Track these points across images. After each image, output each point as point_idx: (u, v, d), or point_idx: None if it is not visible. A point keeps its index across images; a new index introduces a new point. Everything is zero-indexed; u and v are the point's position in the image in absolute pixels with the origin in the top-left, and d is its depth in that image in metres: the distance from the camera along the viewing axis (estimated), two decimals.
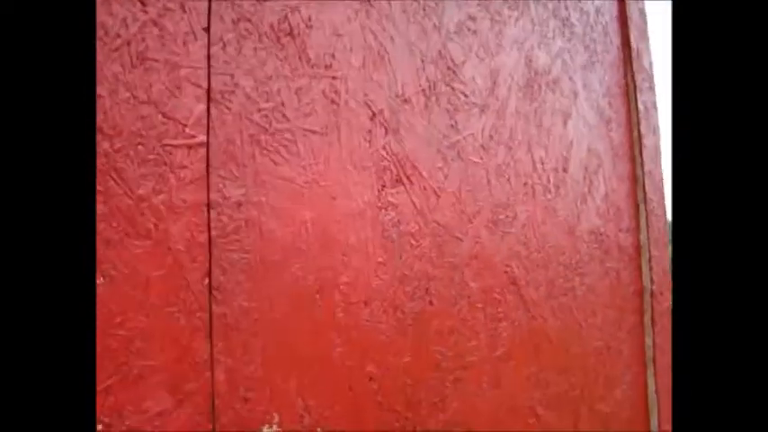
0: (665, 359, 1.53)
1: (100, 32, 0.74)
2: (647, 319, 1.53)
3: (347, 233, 0.95)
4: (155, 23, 0.79)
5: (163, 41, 0.79)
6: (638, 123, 1.58)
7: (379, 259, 0.98)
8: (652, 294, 1.54)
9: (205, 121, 0.82)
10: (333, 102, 0.96)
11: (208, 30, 0.84)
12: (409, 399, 1.00)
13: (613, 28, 1.60)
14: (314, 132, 0.93)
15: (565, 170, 1.37)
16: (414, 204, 1.05)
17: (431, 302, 1.05)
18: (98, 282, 0.72)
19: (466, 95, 1.17)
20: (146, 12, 0.78)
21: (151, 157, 0.77)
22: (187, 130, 0.80)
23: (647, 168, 1.57)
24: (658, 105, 1.67)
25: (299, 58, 0.92)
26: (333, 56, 0.96)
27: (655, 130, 1.63)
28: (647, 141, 1.59)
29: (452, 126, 1.14)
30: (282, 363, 0.85)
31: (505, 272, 1.20)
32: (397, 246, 1.01)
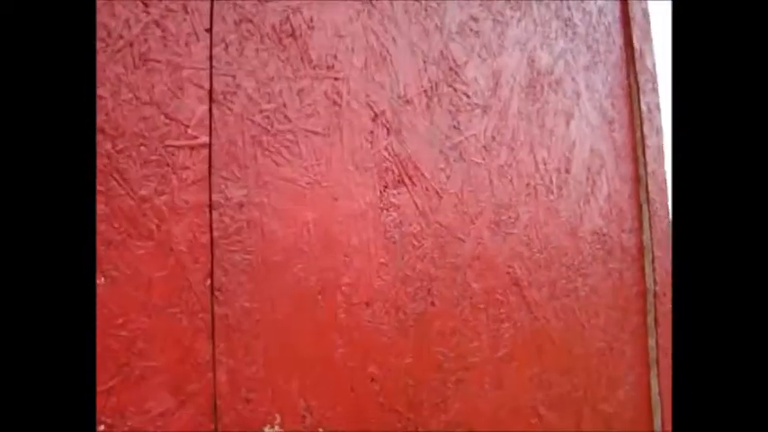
0: (668, 360, 1.52)
1: (102, 33, 0.75)
2: (650, 319, 1.53)
3: (349, 234, 0.95)
4: (157, 24, 0.79)
5: (165, 42, 0.80)
6: (642, 124, 1.58)
7: (381, 260, 0.98)
8: (655, 295, 1.53)
9: (207, 122, 0.82)
10: (335, 103, 0.96)
11: (210, 31, 0.84)
12: (411, 399, 1.00)
13: (616, 28, 1.59)
14: (316, 133, 0.93)
15: (567, 171, 1.37)
16: (416, 205, 1.05)
17: (433, 303, 1.05)
18: (100, 282, 0.72)
19: (468, 96, 1.17)
20: (148, 13, 0.78)
21: (153, 157, 0.77)
22: (189, 130, 0.80)
23: (650, 169, 1.57)
24: (661, 106, 1.66)
25: (301, 59, 0.92)
26: (335, 57, 0.96)
27: (658, 131, 1.63)
28: (650, 142, 1.59)
29: (454, 127, 1.13)
30: (284, 363, 0.85)
31: (508, 273, 1.19)
32: (399, 247, 1.01)
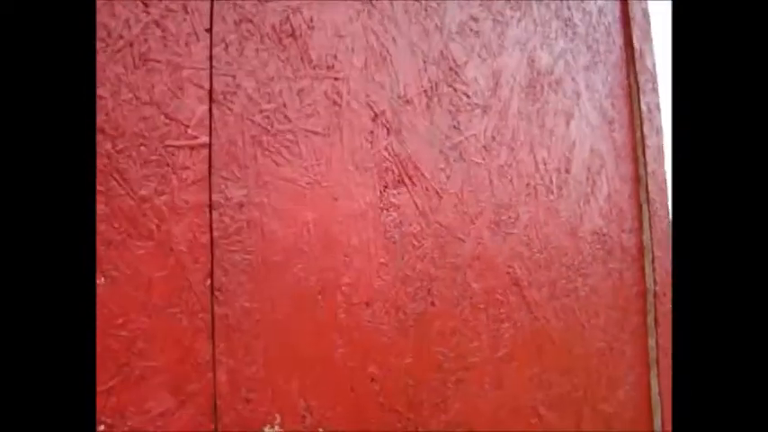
0: (668, 360, 1.52)
1: (102, 33, 0.75)
2: (650, 319, 1.53)
3: (349, 234, 0.95)
4: (157, 24, 0.79)
5: (165, 42, 0.80)
6: (642, 124, 1.58)
7: (381, 260, 0.98)
8: (655, 295, 1.53)
9: (207, 122, 0.82)
10: (335, 103, 0.96)
11: (210, 31, 0.84)
12: (411, 400, 1.00)
13: (616, 28, 1.59)
14: (316, 133, 0.93)
15: (567, 171, 1.37)
16: (416, 205, 1.05)
17: (433, 303, 1.05)
18: (100, 282, 0.72)
19: (468, 96, 1.17)
20: (148, 13, 0.78)
21: (153, 157, 0.77)
22: (189, 131, 0.80)
23: (650, 169, 1.57)
24: (661, 106, 1.66)
25: (301, 59, 0.92)
26: (335, 57, 0.96)
27: (658, 131, 1.63)
28: (650, 142, 1.59)
29: (454, 127, 1.14)
30: (284, 363, 0.85)
31: (508, 273, 1.19)
32: (399, 247, 1.01)
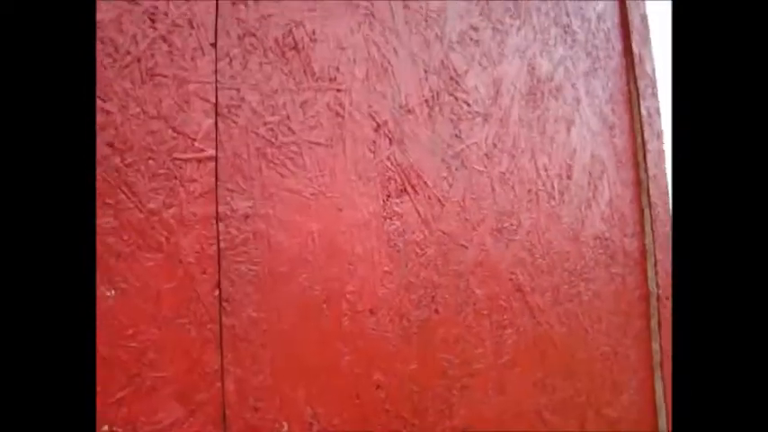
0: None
1: (110, 49, 0.76)
2: (653, 323, 1.54)
3: (353, 243, 0.96)
4: (164, 40, 0.81)
5: (172, 57, 0.81)
6: (642, 129, 1.59)
7: (385, 268, 1.00)
8: (658, 299, 1.54)
9: (213, 136, 0.83)
10: (337, 114, 0.97)
11: (215, 45, 0.85)
12: (416, 406, 1.01)
13: (615, 34, 1.61)
14: (319, 144, 0.94)
15: (569, 177, 1.38)
16: (419, 213, 1.06)
17: (436, 310, 1.06)
18: (110, 294, 0.73)
19: (469, 105, 1.18)
20: (155, 28, 0.80)
21: (161, 171, 0.78)
22: (196, 144, 0.82)
23: (651, 173, 1.58)
24: (661, 111, 1.68)
25: (304, 71, 0.94)
26: (337, 68, 0.98)
27: (658, 136, 1.64)
28: (650, 146, 1.60)
29: (456, 135, 1.15)
30: (291, 372, 0.87)
31: (510, 279, 1.21)
32: (402, 255, 1.02)
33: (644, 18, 1.69)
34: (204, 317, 0.80)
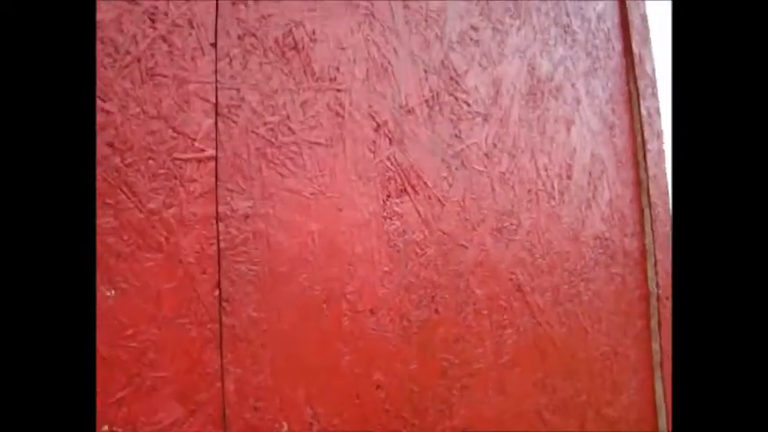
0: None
1: (110, 49, 0.76)
2: (653, 323, 1.54)
3: (353, 243, 0.96)
4: (164, 40, 0.81)
5: (172, 57, 0.81)
6: (642, 129, 1.59)
7: (385, 268, 1.00)
8: (658, 299, 1.54)
9: (213, 136, 0.83)
10: (337, 114, 0.97)
11: (215, 45, 0.85)
12: (416, 406, 1.01)
13: (615, 34, 1.61)
14: (319, 144, 0.94)
15: (569, 177, 1.38)
16: (419, 213, 1.06)
17: (436, 310, 1.06)
18: (110, 294, 0.73)
19: (469, 105, 1.18)
20: (155, 28, 0.80)
21: (161, 171, 0.78)
22: (196, 144, 0.82)
23: (651, 173, 1.58)
24: (661, 111, 1.68)
25: (304, 71, 0.94)
26: (337, 69, 0.98)
27: (658, 135, 1.64)
28: (650, 146, 1.60)
29: (456, 135, 1.15)
30: (291, 372, 0.87)
31: (510, 279, 1.21)
32: (402, 255, 1.02)
33: (644, 18, 1.69)
34: (204, 317, 0.80)
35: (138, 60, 0.78)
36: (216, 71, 0.85)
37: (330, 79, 0.97)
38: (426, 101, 1.11)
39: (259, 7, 0.90)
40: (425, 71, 1.11)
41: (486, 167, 1.19)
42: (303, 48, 0.94)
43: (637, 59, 1.62)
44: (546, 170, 1.32)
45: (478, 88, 1.21)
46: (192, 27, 0.83)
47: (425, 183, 1.08)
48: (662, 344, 1.52)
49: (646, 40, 1.68)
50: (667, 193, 1.64)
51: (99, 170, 0.74)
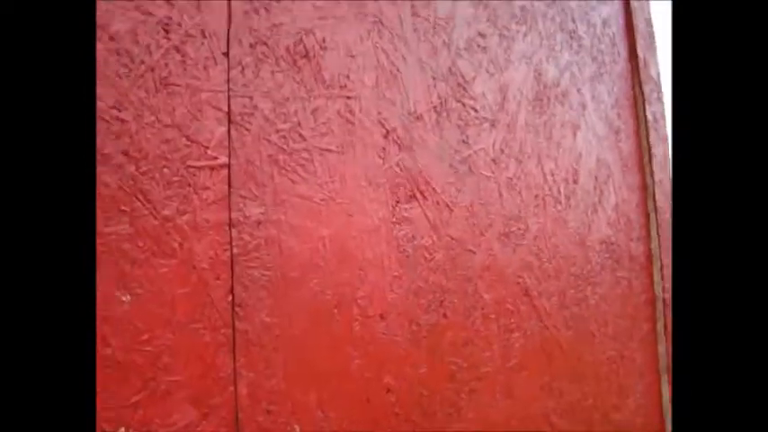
0: None
1: (126, 60, 0.78)
2: (659, 327, 1.55)
3: (363, 248, 0.97)
4: (177, 50, 0.82)
5: (185, 67, 0.83)
6: (647, 133, 1.60)
7: (395, 273, 1.01)
8: (664, 303, 1.55)
9: (226, 143, 0.85)
10: (348, 121, 0.98)
11: (227, 54, 0.87)
12: (425, 410, 1.02)
13: (620, 39, 1.62)
14: (330, 151, 0.96)
15: (575, 181, 1.39)
16: (427, 219, 1.07)
17: (445, 315, 1.07)
18: (125, 300, 0.74)
19: (476, 110, 1.20)
20: (169, 39, 0.81)
21: (175, 178, 0.80)
22: (209, 151, 0.83)
23: (656, 177, 1.59)
24: (667, 115, 1.69)
25: (315, 79, 0.95)
26: (347, 76, 0.99)
27: (664, 140, 1.65)
28: (656, 151, 1.61)
29: (464, 141, 1.16)
30: (303, 376, 0.88)
31: (518, 283, 1.22)
32: (411, 260, 1.04)
33: (649, 23, 1.70)
34: (218, 321, 0.81)
35: (153, 70, 0.80)
36: (228, 80, 0.86)
37: (340, 86, 0.98)
38: (434, 107, 1.12)
39: (270, 16, 0.92)
40: (433, 78, 1.13)
41: (493, 173, 1.20)
42: (314, 56, 0.96)
43: (642, 64, 1.63)
44: (552, 175, 1.33)
45: (486, 94, 1.22)
46: (205, 37, 0.85)
47: (434, 188, 1.09)
48: (668, 347, 1.53)
49: (650, 45, 1.69)
50: None
51: (114, 178, 0.75)
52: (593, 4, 1.55)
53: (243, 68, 0.88)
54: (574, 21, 1.48)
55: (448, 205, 1.11)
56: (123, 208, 0.75)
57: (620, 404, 1.41)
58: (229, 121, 0.85)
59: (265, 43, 0.91)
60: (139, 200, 0.77)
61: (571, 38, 1.46)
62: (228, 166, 0.85)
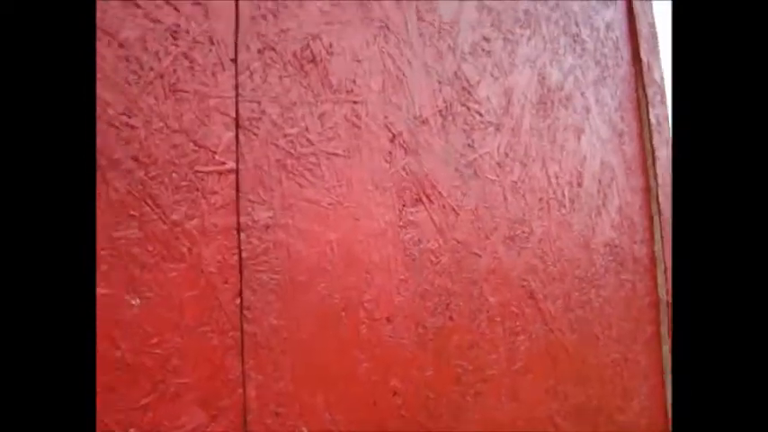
0: None
1: (135, 66, 0.78)
2: (663, 329, 1.55)
3: (370, 252, 0.98)
4: (185, 56, 0.83)
5: (193, 73, 0.83)
6: (651, 136, 1.61)
7: (401, 276, 1.01)
8: (668, 305, 1.55)
9: (234, 148, 0.86)
10: (354, 125, 0.99)
11: (235, 60, 0.87)
12: (431, 412, 1.02)
13: (624, 43, 1.63)
14: (337, 155, 0.96)
15: (579, 184, 1.40)
16: (433, 222, 1.08)
17: (451, 318, 1.08)
18: (135, 303, 0.75)
19: (481, 114, 1.20)
20: (177, 45, 0.82)
21: (184, 183, 0.81)
22: (217, 157, 0.84)
23: (660, 180, 1.60)
24: (670, 118, 1.69)
25: (322, 84, 0.96)
26: (354, 81, 1.00)
27: (667, 143, 1.66)
28: (659, 154, 1.61)
29: (469, 145, 1.17)
30: (310, 379, 0.88)
31: (523, 286, 1.22)
32: (417, 263, 1.04)
33: (652, 26, 1.71)
34: (226, 325, 0.82)
35: (162, 77, 0.81)
36: (237, 85, 0.87)
37: (347, 91, 0.99)
38: (440, 111, 1.13)
39: (278, 22, 0.93)
40: (439, 82, 1.13)
41: (498, 176, 1.21)
42: (321, 60, 0.96)
43: (645, 67, 1.64)
44: (557, 178, 1.34)
45: (490, 98, 1.23)
46: (213, 43, 0.86)
47: (440, 192, 1.10)
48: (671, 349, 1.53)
49: (654, 48, 1.69)
50: None
51: (124, 183, 0.76)
52: (597, 7, 1.56)
53: (251, 74, 0.89)
54: (577, 24, 1.49)
55: (453, 209, 1.12)
56: (133, 213, 0.76)
57: (625, 406, 1.41)
58: (237, 127, 0.86)
59: (273, 48, 0.92)
60: (148, 205, 0.78)
61: (575, 41, 1.47)
62: (236, 170, 0.85)
